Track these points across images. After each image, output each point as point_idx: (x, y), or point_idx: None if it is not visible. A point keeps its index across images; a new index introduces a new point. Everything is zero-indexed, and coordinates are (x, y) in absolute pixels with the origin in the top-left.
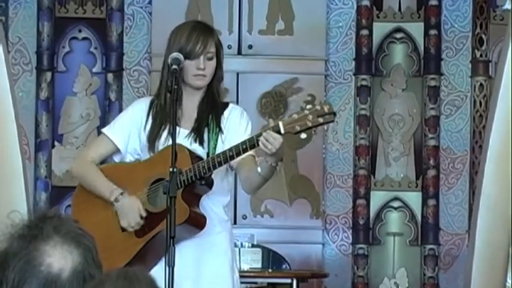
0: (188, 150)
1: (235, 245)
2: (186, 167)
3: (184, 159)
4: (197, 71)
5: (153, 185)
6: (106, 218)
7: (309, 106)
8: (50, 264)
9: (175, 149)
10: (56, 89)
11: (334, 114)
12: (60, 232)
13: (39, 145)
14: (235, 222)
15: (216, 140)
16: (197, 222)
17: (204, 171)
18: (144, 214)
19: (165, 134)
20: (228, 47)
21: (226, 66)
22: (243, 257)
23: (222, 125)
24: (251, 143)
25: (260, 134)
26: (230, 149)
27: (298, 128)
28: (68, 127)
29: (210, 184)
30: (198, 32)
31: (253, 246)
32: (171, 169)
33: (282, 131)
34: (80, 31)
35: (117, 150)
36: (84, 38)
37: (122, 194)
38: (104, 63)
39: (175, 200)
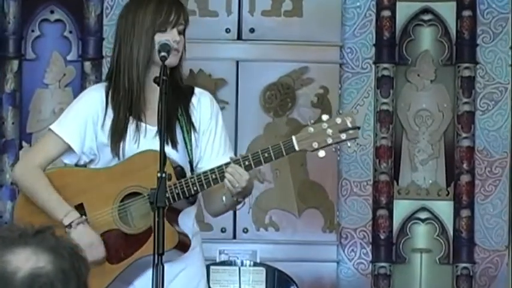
0: (169, 159)
1: (235, 263)
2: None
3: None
4: (173, 44)
5: (125, 202)
6: None
7: (325, 117)
8: (9, 261)
9: (163, 152)
10: (24, 80)
11: (359, 128)
12: (42, 240)
13: (4, 146)
14: (234, 237)
15: (191, 140)
16: (184, 245)
17: (195, 189)
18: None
19: (131, 132)
20: (226, 30)
21: (224, 53)
22: (243, 278)
23: (193, 119)
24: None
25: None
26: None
27: (316, 146)
28: (37, 125)
29: (194, 201)
30: (168, 1)
31: (255, 264)
32: (159, 174)
33: (297, 147)
34: (52, 12)
35: (69, 150)
36: (57, 20)
37: (79, 222)
38: (80, 49)
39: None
